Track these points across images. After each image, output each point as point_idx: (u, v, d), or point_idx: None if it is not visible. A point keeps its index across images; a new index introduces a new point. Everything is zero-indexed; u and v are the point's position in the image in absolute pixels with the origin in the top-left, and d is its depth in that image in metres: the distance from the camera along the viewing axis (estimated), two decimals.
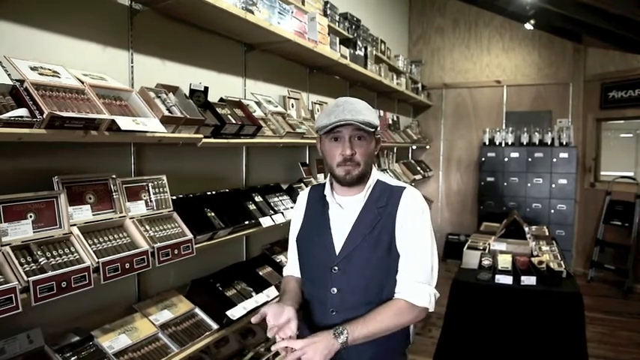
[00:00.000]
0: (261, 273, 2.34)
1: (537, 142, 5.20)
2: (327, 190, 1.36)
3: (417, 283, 1.24)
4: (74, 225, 1.40)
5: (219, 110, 1.97)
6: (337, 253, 1.28)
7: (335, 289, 1.27)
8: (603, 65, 5.07)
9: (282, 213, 2.35)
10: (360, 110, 1.23)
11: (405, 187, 1.31)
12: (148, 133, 1.48)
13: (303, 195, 1.47)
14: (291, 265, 1.48)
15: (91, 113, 1.32)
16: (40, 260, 1.26)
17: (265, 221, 2.19)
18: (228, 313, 1.87)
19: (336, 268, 1.27)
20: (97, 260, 1.35)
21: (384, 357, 1.29)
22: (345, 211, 1.32)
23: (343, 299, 1.26)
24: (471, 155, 5.82)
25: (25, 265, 1.22)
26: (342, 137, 1.24)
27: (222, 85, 2.31)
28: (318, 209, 1.37)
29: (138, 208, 1.64)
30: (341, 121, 1.21)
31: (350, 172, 1.25)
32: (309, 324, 1.33)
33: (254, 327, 2.35)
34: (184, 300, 1.91)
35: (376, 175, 1.35)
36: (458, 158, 5.92)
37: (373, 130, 1.25)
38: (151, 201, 1.70)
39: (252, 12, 2.03)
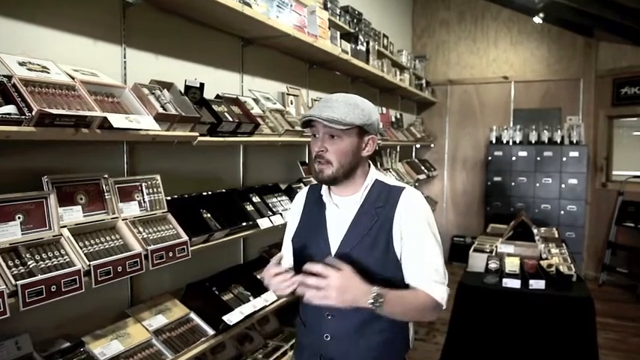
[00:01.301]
0: (258, 276, 2.33)
1: (546, 141, 5.19)
2: (324, 190, 1.37)
3: (434, 282, 1.26)
4: (64, 226, 1.40)
5: (215, 107, 1.96)
6: (333, 254, 1.28)
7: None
8: (615, 60, 5.07)
9: (281, 214, 2.35)
10: (333, 106, 1.22)
11: (403, 188, 1.32)
12: (141, 131, 1.48)
13: (301, 194, 1.48)
14: (283, 263, 1.46)
15: (82, 110, 1.31)
16: (29, 263, 1.26)
17: (263, 223, 2.19)
18: (225, 318, 1.87)
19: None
20: (88, 263, 1.35)
21: None
22: (341, 211, 1.33)
23: None
24: (477, 154, 5.81)
25: (13, 269, 1.22)
26: (318, 132, 1.26)
27: (218, 82, 2.31)
28: (315, 209, 1.38)
29: (131, 209, 1.64)
30: (307, 117, 1.24)
31: (322, 171, 1.26)
32: (305, 327, 1.35)
33: (251, 333, 2.35)
34: (179, 304, 1.91)
35: (374, 174, 1.35)
36: (463, 157, 5.92)
37: (347, 127, 1.22)
38: (144, 202, 1.69)
39: (249, 5, 2.03)
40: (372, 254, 1.26)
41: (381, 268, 1.25)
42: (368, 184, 1.32)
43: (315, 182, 1.38)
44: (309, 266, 1.14)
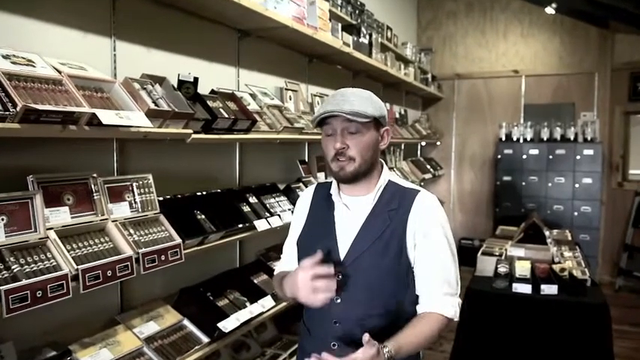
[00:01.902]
0: (256, 281, 2.34)
1: (559, 138, 5.19)
2: (334, 189, 1.36)
3: (445, 295, 1.27)
4: (51, 229, 1.40)
5: (210, 103, 1.96)
6: (342, 259, 1.28)
7: (339, 299, 1.27)
8: (632, 53, 5.06)
9: (279, 215, 2.35)
10: (351, 100, 1.23)
11: (418, 191, 1.32)
12: (132, 128, 1.48)
13: (308, 192, 1.47)
14: (284, 262, 1.48)
15: (69, 106, 1.31)
16: (13, 267, 1.25)
17: (260, 224, 2.19)
18: (220, 325, 1.87)
19: (341, 275, 1.27)
20: (75, 267, 1.34)
21: None
22: (351, 212, 1.32)
23: (347, 310, 1.26)
24: (485, 152, 5.81)
25: None
26: (335, 130, 1.25)
27: (213, 76, 2.31)
28: (323, 209, 1.37)
29: (121, 210, 1.64)
30: (327, 112, 1.23)
31: (343, 168, 1.25)
32: (310, 335, 1.35)
33: (248, 340, 2.35)
34: (172, 311, 1.91)
35: (388, 175, 1.35)
36: (471, 155, 5.92)
37: (368, 120, 1.23)
38: (135, 202, 1.69)
39: None
40: (383, 260, 1.25)
41: (391, 275, 1.25)
42: (381, 185, 1.32)
43: (322, 181, 1.38)
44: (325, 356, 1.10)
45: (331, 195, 1.36)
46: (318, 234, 1.35)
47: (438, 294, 1.27)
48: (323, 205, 1.38)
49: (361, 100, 1.24)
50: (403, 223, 1.26)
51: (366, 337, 1.11)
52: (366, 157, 1.26)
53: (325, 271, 1.18)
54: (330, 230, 1.32)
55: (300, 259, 1.39)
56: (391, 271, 1.25)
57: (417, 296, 1.30)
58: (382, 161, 1.38)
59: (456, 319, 1.29)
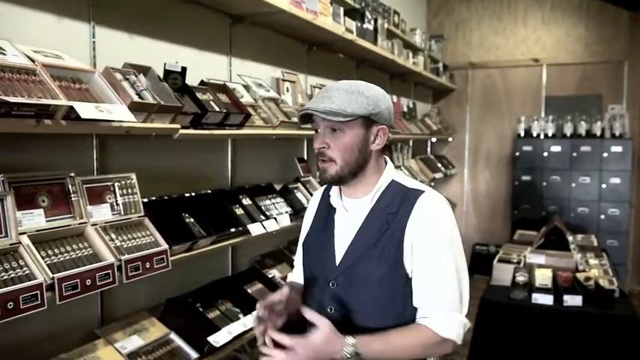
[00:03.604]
0: (249, 290, 2.34)
1: (584, 134, 5.18)
2: (334, 191, 1.38)
3: (444, 311, 1.24)
4: (23, 233, 1.39)
5: (199, 95, 1.96)
6: (337, 265, 1.30)
7: (332, 308, 1.29)
8: None
9: (275, 219, 2.35)
10: (332, 96, 1.23)
11: (422, 191, 1.30)
12: (113, 123, 1.48)
13: (317, 193, 1.51)
14: (296, 270, 1.53)
15: (44, 98, 1.31)
16: None
17: (255, 228, 2.19)
18: (211, 339, 1.88)
19: (334, 282, 1.30)
20: (51, 276, 1.34)
21: None
22: (350, 216, 1.34)
23: (340, 321, 1.26)
24: (502, 149, 5.81)
25: None
26: (319, 128, 1.28)
27: (203, 66, 2.31)
28: (325, 212, 1.41)
29: (101, 213, 1.64)
30: (303, 110, 1.26)
31: (325, 170, 1.28)
32: None
33: (241, 356, 2.35)
34: (157, 323, 1.91)
35: (391, 174, 1.34)
36: (487, 153, 5.92)
37: (350, 119, 1.22)
38: (117, 204, 1.69)
39: None
40: (379, 269, 1.25)
41: (386, 286, 1.25)
42: (382, 185, 1.32)
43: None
44: (276, 337, 1.16)
45: (330, 197, 1.38)
46: (319, 239, 1.38)
47: (434, 309, 1.24)
48: (325, 208, 1.41)
49: (344, 97, 1.23)
50: (402, 228, 1.26)
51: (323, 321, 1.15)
52: (348, 158, 1.26)
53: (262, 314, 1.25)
54: (329, 235, 1.35)
55: (304, 264, 1.45)
56: (386, 281, 1.25)
57: (416, 309, 1.28)
58: (387, 159, 1.38)
59: (458, 341, 1.25)
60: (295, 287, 1.44)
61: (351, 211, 1.33)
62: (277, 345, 1.16)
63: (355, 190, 1.33)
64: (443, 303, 1.24)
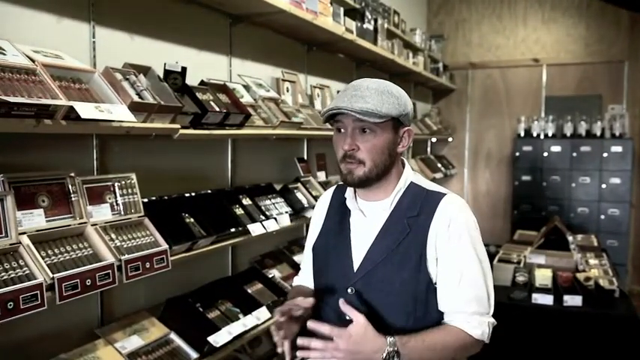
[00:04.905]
0: (250, 291, 2.34)
1: (584, 134, 5.18)
2: (349, 193, 1.35)
3: (473, 314, 1.24)
4: (23, 233, 1.39)
5: (199, 95, 1.97)
6: (355, 271, 1.27)
7: (349, 315, 1.26)
8: None
9: (276, 219, 2.35)
10: (364, 95, 1.19)
11: (444, 194, 1.28)
12: (113, 123, 1.48)
13: (327, 194, 1.47)
14: (304, 274, 1.50)
15: (44, 98, 1.31)
16: None
17: (255, 229, 2.19)
18: (210, 339, 1.87)
19: (352, 289, 1.26)
20: (51, 276, 1.34)
21: None
22: (367, 219, 1.30)
23: None
24: (502, 149, 5.81)
25: None
26: (345, 128, 1.23)
27: (203, 66, 2.31)
28: (338, 215, 1.37)
29: (101, 213, 1.64)
30: (336, 109, 1.20)
31: (351, 172, 1.23)
32: None
33: (241, 356, 2.35)
34: (157, 323, 1.91)
35: (410, 176, 1.32)
36: (487, 153, 5.92)
37: (383, 120, 1.20)
38: (117, 204, 1.69)
39: None
40: (400, 274, 1.23)
41: (409, 291, 1.23)
42: (401, 188, 1.29)
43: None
44: (314, 325, 1.14)
45: (346, 199, 1.35)
46: (333, 243, 1.35)
47: (464, 312, 1.23)
48: (339, 211, 1.37)
49: (377, 96, 1.20)
50: (424, 232, 1.23)
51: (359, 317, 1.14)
52: (377, 161, 1.23)
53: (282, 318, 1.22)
54: (345, 239, 1.31)
55: (315, 268, 1.41)
56: (408, 287, 1.23)
57: (439, 315, 1.26)
58: (404, 160, 1.35)
59: (486, 340, 1.25)
60: (307, 292, 1.41)
61: (369, 214, 1.30)
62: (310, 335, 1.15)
63: (374, 194, 1.30)
64: (473, 305, 1.24)
